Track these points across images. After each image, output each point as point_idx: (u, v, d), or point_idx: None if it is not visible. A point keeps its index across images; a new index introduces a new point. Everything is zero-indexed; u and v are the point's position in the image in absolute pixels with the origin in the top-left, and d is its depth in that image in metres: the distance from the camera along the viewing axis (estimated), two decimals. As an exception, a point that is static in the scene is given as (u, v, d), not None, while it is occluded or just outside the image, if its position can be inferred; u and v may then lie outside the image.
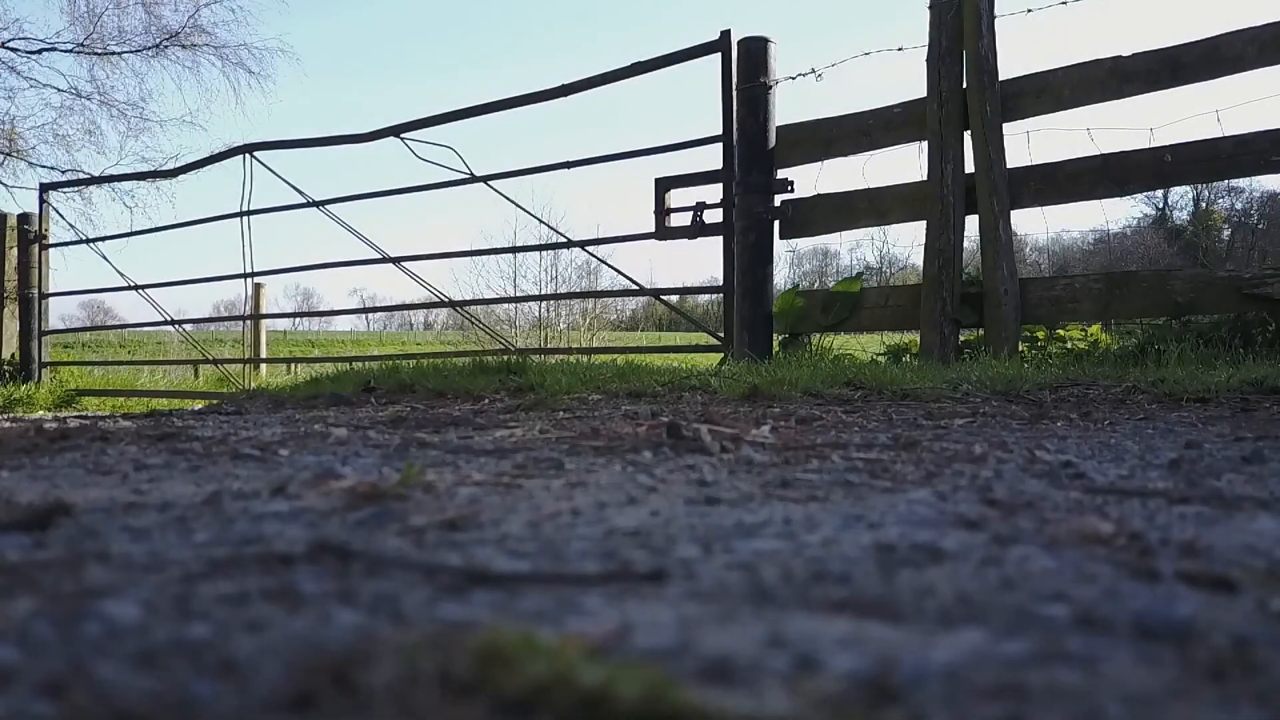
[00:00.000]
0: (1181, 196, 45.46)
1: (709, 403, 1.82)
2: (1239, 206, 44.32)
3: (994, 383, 1.97)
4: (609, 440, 0.88)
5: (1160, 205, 47.54)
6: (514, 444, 0.89)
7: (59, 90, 12.88)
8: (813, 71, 4.69)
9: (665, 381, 2.22)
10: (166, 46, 12.65)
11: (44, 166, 13.04)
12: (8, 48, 12.27)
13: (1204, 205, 44.77)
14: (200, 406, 3.04)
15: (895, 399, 1.75)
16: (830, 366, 2.30)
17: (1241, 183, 43.53)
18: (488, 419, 1.39)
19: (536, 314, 31.30)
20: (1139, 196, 48.78)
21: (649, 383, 2.17)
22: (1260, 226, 43.87)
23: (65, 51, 12.45)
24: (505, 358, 2.58)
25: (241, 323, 11.84)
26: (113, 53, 12.56)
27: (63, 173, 13.05)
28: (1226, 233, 48.65)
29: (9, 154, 12.54)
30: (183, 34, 12.68)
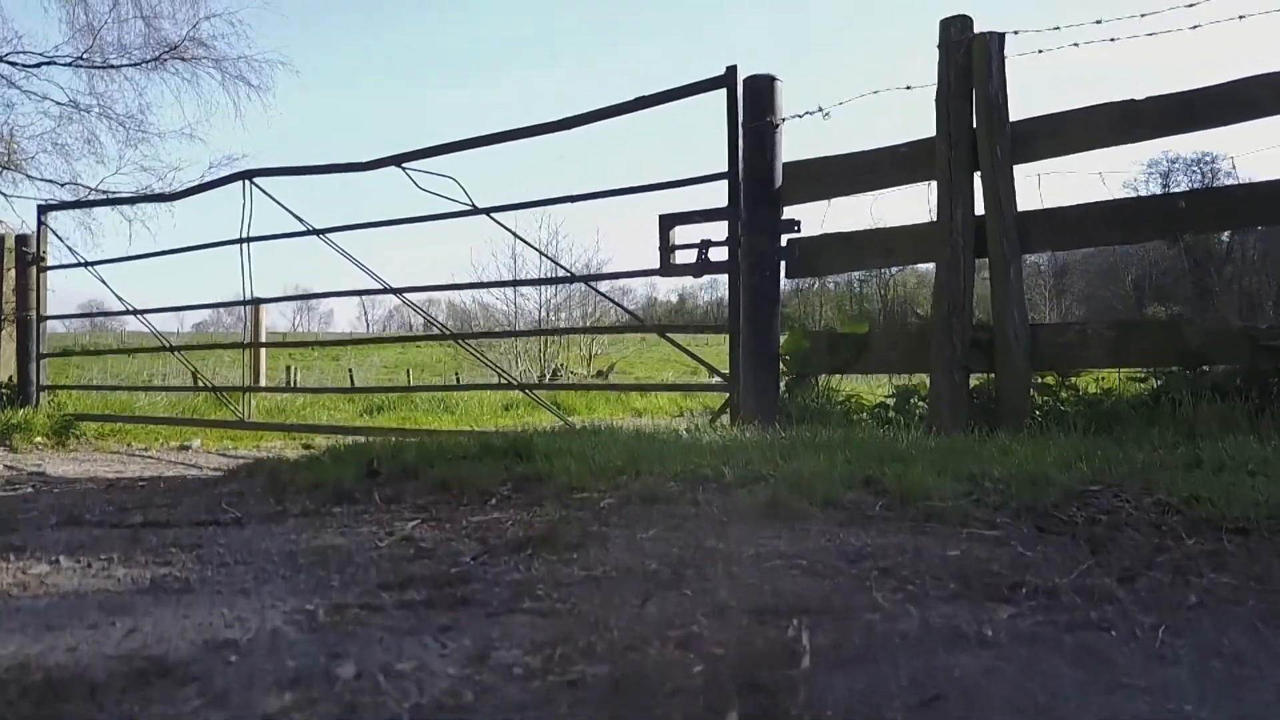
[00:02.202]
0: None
1: (727, 516, 1.76)
2: (1239, 207, 44.04)
3: (1019, 485, 1.91)
4: (644, 706, 0.81)
5: (1160, 207, 46.85)
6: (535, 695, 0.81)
7: (58, 103, 12.82)
8: (820, 110, 4.62)
9: (677, 473, 2.16)
10: (166, 59, 12.61)
11: (44, 180, 12.97)
12: (6, 61, 12.21)
13: (1204, 206, 44.34)
14: (206, 469, 2.98)
15: (918, 521, 1.69)
16: (845, 462, 2.24)
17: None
18: (498, 574, 1.32)
19: (537, 317, 31.20)
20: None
21: (661, 477, 2.11)
22: (1259, 227, 43.66)
23: (64, 65, 12.40)
24: (511, 438, 2.52)
25: (242, 328, 11.75)
26: (112, 66, 12.52)
27: (61, 185, 12.99)
28: (1225, 234, 48.54)
29: (6, 166, 12.47)
30: (182, 46, 12.64)
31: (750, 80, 4.61)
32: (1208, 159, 45.43)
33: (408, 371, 20.82)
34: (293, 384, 18.83)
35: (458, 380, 20.01)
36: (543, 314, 29.41)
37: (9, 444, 6.80)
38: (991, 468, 2.11)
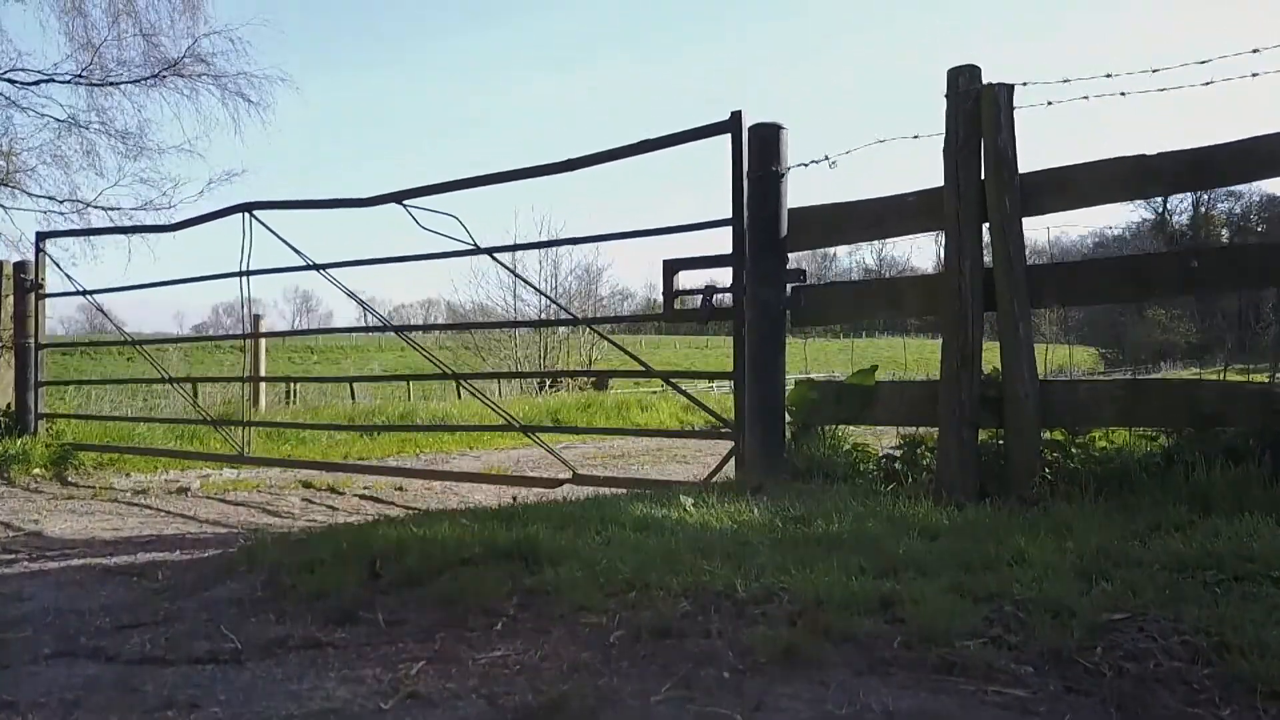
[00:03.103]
0: (1181, 200, 45.08)
1: (742, 661, 1.71)
2: (1238, 210, 44.28)
3: (1039, 614, 1.86)
4: None
5: (1160, 209, 47.42)
6: None
7: (58, 120, 12.78)
8: (826, 159, 4.56)
9: (687, 588, 2.11)
10: (165, 76, 12.55)
11: (44, 197, 12.93)
12: (5, 79, 12.16)
13: (1203, 209, 44.71)
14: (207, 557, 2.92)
15: (940, 672, 1.63)
16: (859, 570, 2.20)
17: (1241, 187, 43.57)
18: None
19: (536, 315, 31.04)
20: (1138, 200, 48.86)
21: (670, 594, 2.07)
22: (1260, 230, 43.93)
23: (63, 83, 12.34)
24: (516, 537, 2.47)
25: (243, 344, 11.74)
26: (111, 83, 12.46)
27: (60, 202, 12.95)
28: (1225, 235, 48.60)
29: (4, 182, 12.42)
30: (181, 63, 12.57)
31: (756, 129, 4.56)
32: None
33: (408, 383, 20.76)
34: (292, 392, 18.77)
35: (458, 391, 19.92)
36: (541, 316, 29.29)
37: (7, 477, 6.75)
38: (1010, 585, 2.07)
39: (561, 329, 33.13)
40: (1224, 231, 46.90)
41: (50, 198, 13.04)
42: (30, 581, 2.82)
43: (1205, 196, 45.33)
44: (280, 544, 2.77)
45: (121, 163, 14.24)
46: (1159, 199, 44.69)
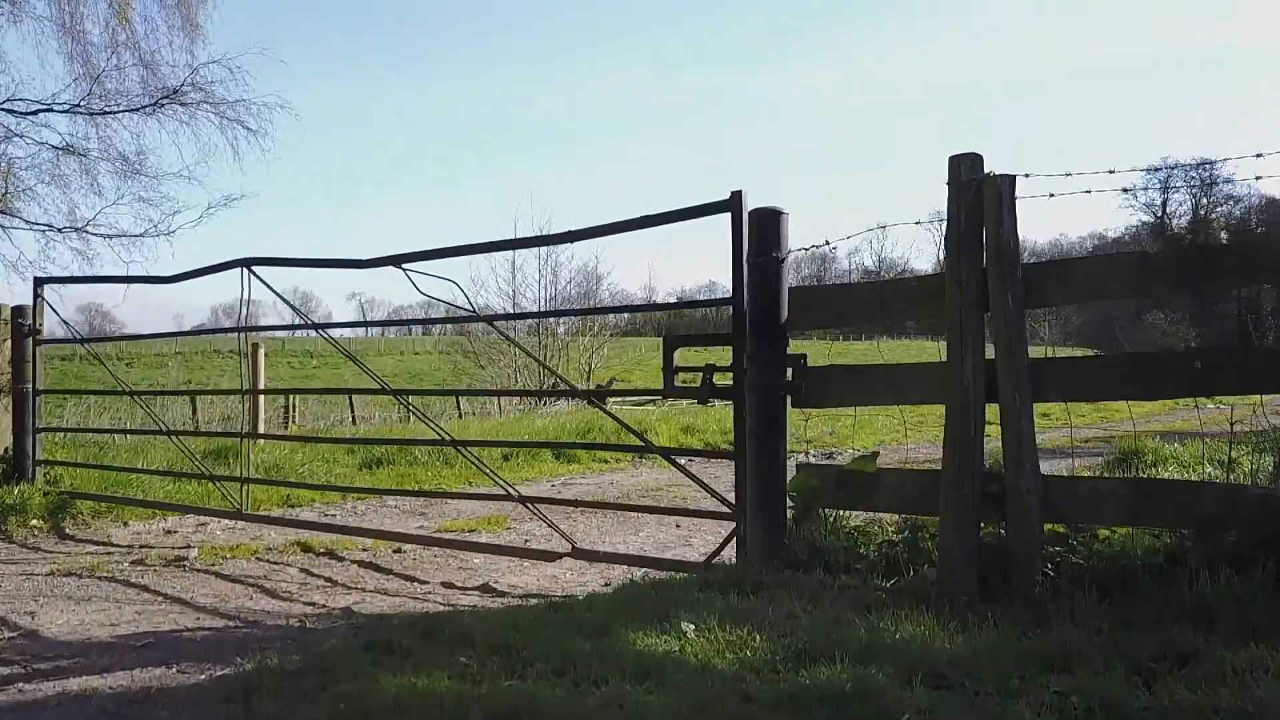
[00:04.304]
0: (1180, 205, 45.04)
1: None
2: (1237, 213, 44.18)
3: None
4: None
5: (1159, 213, 47.29)
6: None
7: (55, 148, 12.74)
8: (826, 243, 4.55)
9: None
10: (164, 104, 12.49)
11: (41, 223, 12.92)
12: (3, 109, 12.11)
13: (1203, 212, 44.64)
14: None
15: None
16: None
17: (1240, 189, 43.32)
18: None
19: (535, 322, 31.04)
20: (1137, 203, 48.42)
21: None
22: (1259, 231, 43.78)
23: (62, 112, 12.30)
24: (514, 693, 2.45)
25: (239, 361, 11.73)
26: (109, 112, 12.42)
27: (60, 230, 12.94)
28: (1224, 238, 48.57)
29: (2, 210, 12.40)
30: (180, 91, 12.51)
31: (757, 213, 4.53)
32: (1206, 165, 45.31)
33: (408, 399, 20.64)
34: (291, 408, 18.75)
35: (458, 409, 19.91)
36: (540, 325, 29.28)
37: (5, 531, 6.73)
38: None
39: (561, 330, 33.05)
40: (1224, 235, 46.83)
41: (49, 225, 13.02)
42: (24, 711, 2.81)
43: (1204, 199, 45.06)
44: (274, 682, 2.76)
45: (120, 184, 14.20)
46: (1157, 198, 44.33)
